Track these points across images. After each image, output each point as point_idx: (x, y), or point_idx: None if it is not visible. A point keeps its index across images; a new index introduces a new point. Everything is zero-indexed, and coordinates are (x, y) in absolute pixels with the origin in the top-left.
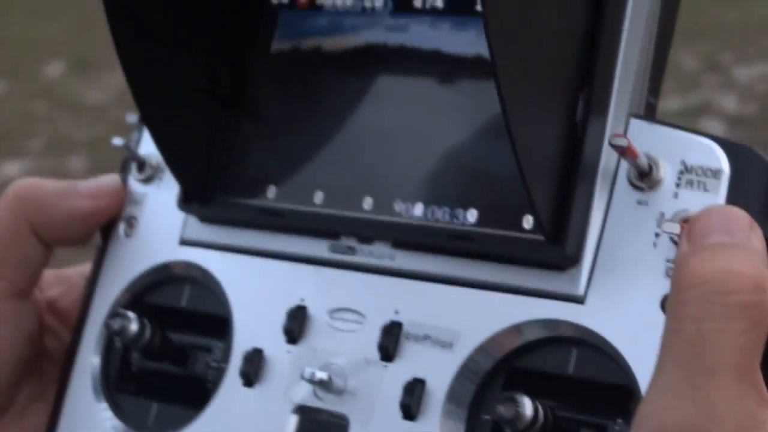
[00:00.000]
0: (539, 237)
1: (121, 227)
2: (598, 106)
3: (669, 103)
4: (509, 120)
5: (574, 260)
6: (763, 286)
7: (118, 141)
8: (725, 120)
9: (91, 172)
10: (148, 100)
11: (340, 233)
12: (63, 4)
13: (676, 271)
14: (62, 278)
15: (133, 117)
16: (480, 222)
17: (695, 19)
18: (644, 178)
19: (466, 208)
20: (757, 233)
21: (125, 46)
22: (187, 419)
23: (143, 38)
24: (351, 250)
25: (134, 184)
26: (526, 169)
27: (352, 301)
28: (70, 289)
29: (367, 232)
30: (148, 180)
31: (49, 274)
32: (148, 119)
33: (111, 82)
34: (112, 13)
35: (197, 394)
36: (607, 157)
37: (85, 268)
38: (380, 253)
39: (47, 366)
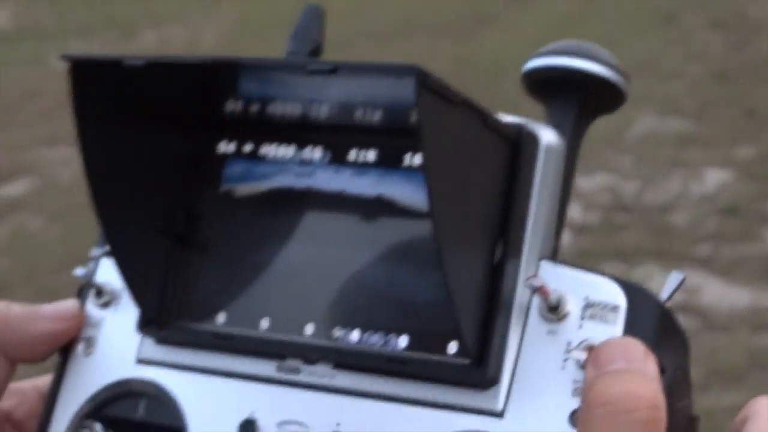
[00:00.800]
0: (464, 360)
1: (80, 346)
2: (514, 251)
3: None
4: (443, 261)
5: (494, 381)
6: (659, 405)
7: (80, 271)
8: (571, 229)
9: None
10: (116, 238)
11: (286, 355)
12: None
13: (585, 393)
14: (17, 391)
15: (95, 250)
16: (410, 346)
17: None
18: (553, 312)
19: (398, 333)
20: (652, 360)
21: (101, 195)
22: None
23: (115, 188)
24: (296, 370)
25: (92, 308)
26: (455, 302)
27: (298, 414)
28: (24, 401)
29: (310, 355)
30: (105, 305)
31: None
32: (115, 253)
33: None
34: (90, 169)
35: None
36: (522, 293)
37: (39, 381)
38: (322, 372)
39: None
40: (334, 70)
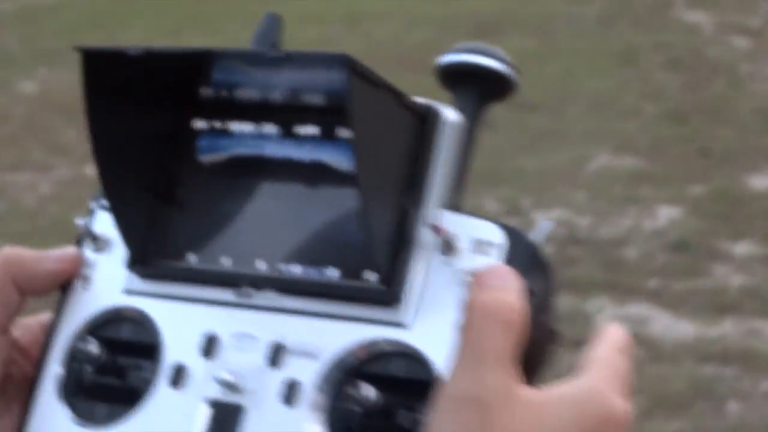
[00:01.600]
0: (380, 286)
1: (79, 283)
2: (419, 200)
3: None
4: (365, 209)
5: (400, 300)
6: (521, 311)
7: (80, 221)
8: None
9: None
10: (113, 194)
11: (241, 284)
12: None
13: (469, 303)
14: (22, 324)
15: (92, 204)
16: (340, 276)
17: (497, 166)
18: (448, 247)
19: (328, 266)
20: (519, 281)
21: (102, 161)
22: (126, 412)
23: (113, 155)
24: (249, 295)
25: (88, 253)
26: (373, 241)
27: (250, 328)
28: (28, 331)
29: (261, 284)
30: (99, 250)
31: None
32: (112, 205)
33: None
34: (95, 140)
35: (134, 397)
36: (425, 234)
37: (41, 317)
38: (269, 297)
39: (10, 387)
40: (287, 56)
